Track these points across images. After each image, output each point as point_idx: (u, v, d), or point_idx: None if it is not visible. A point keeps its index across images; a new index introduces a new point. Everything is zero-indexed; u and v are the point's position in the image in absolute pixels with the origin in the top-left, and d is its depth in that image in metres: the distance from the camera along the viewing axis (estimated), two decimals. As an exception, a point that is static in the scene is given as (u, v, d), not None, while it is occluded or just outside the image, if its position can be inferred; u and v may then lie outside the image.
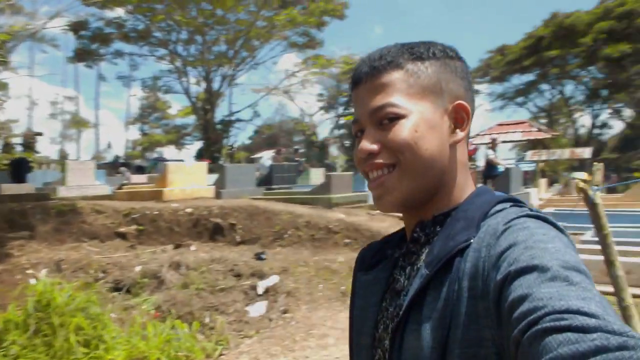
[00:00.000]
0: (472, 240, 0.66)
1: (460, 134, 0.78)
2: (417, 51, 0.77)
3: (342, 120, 38.31)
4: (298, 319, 5.28)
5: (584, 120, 44.14)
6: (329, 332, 4.93)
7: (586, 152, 25.49)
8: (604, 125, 40.94)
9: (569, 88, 39.57)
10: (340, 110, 38.73)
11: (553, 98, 40.36)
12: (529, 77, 39.52)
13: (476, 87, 45.40)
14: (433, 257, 0.69)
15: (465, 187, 0.79)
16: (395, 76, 0.75)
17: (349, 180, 10.96)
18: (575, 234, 9.57)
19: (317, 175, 15.71)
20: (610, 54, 29.80)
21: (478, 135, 22.60)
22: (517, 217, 0.64)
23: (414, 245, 0.79)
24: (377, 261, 0.87)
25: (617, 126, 41.98)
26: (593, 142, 34.21)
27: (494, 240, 0.62)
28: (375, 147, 0.75)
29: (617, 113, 38.55)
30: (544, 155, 23.62)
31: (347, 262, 7.07)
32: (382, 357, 0.77)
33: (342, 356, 4.30)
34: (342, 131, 38.44)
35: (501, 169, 11.50)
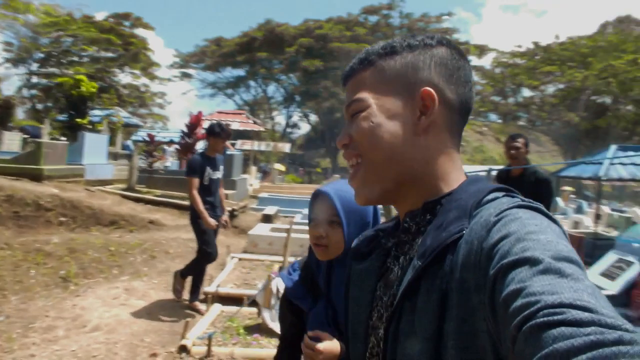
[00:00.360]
0: (464, 232, 0.65)
1: (424, 121, 0.76)
2: (389, 46, 0.79)
3: (35, 79, 32.52)
4: (10, 313, 4.36)
5: (279, 118, 50.67)
6: (55, 323, 4.27)
7: (286, 147, 29.36)
8: (295, 125, 47.96)
9: (272, 89, 44.58)
10: (35, 67, 32.79)
11: (257, 95, 44.70)
12: (240, 72, 42.64)
13: (190, 71, 46.43)
14: (425, 248, 0.68)
15: (451, 174, 0.78)
16: (365, 74, 0.79)
17: (63, 150, 9.44)
18: (286, 216, 11.01)
19: (13, 141, 12.92)
20: (307, 66, 34.95)
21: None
22: (509, 208, 0.63)
23: (405, 235, 0.79)
24: (371, 250, 0.89)
25: (305, 128, 49.64)
26: (285, 139, 39.52)
27: (485, 232, 0.61)
28: (345, 139, 0.80)
29: (305, 117, 45.71)
30: (249, 145, 25.95)
31: (65, 243, 6.22)
32: (375, 345, 0.79)
33: (78, 348, 3.82)
34: (34, 92, 32.65)
35: (228, 151, 12.13)
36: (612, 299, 4.69)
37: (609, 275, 5.28)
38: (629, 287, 4.87)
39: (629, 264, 5.17)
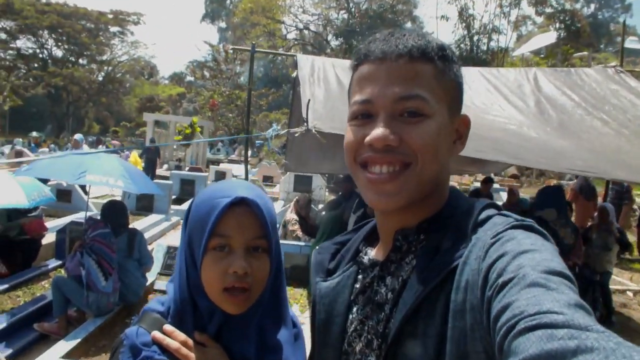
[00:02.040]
0: (464, 255, 0.65)
1: (459, 147, 0.76)
2: (442, 48, 0.73)
3: None
4: None
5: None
6: None
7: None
8: None
9: None
10: None
11: None
12: None
13: None
14: (428, 273, 0.67)
15: (446, 191, 0.78)
16: (427, 68, 0.70)
17: None
18: None
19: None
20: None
21: None
22: (505, 230, 0.64)
23: (394, 254, 0.75)
24: (336, 266, 0.84)
25: None
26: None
27: (483, 253, 0.62)
28: (394, 140, 0.69)
29: None
30: None
31: None
32: None
33: None
34: None
35: None
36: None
37: None
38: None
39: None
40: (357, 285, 0.78)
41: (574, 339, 0.43)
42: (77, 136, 11.98)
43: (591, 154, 3.44)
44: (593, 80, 4.87)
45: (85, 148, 11.55)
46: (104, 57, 43.64)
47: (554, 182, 9.58)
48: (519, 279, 0.54)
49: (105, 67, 43.97)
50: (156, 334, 0.87)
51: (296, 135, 3.24)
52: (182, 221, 0.97)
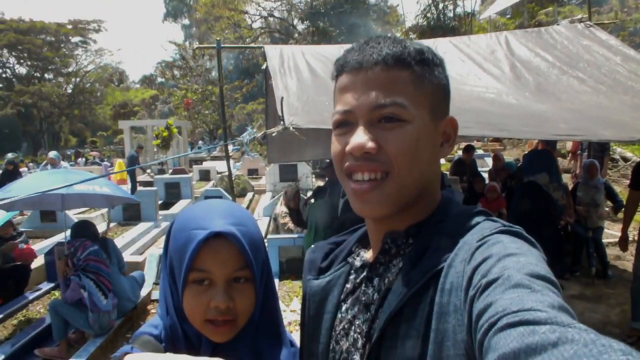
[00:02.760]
0: (450, 258, 0.65)
1: (447, 150, 0.77)
2: (420, 52, 0.73)
3: None
4: None
5: None
6: None
7: None
8: None
9: None
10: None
11: None
12: None
13: None
14: (413, 274, 0.67)
15: (437, 194, 0.78)
16: (403, 74, 0.71)
17: None
18: None
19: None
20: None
21: None
22: (492, 233, 0.64)
23: (383, 256, 0.76)
24: (329, 265, 0.86)
25: None
26: None
27: (468, 255, 0.62)
28: (374, 146, 0.69)
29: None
30: None
31: None
32: None
33: None
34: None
35: None
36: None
37: None
38: None
39: None
40: (348, 285, 0.80)
41: (555, 333, 0.43)
42: (52, 153, 11.46)
43: (573, 115, 3.41)
44: (564, 38, 4.85)
45: (63, 164, 11.16)
46: (70, 69, 42.92)
47: (535, 141, 9.65)
48: (504, 279, 0.54)
49: (73, 79, 43.26)
50: None
51: (274, 135, 3.17)
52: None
